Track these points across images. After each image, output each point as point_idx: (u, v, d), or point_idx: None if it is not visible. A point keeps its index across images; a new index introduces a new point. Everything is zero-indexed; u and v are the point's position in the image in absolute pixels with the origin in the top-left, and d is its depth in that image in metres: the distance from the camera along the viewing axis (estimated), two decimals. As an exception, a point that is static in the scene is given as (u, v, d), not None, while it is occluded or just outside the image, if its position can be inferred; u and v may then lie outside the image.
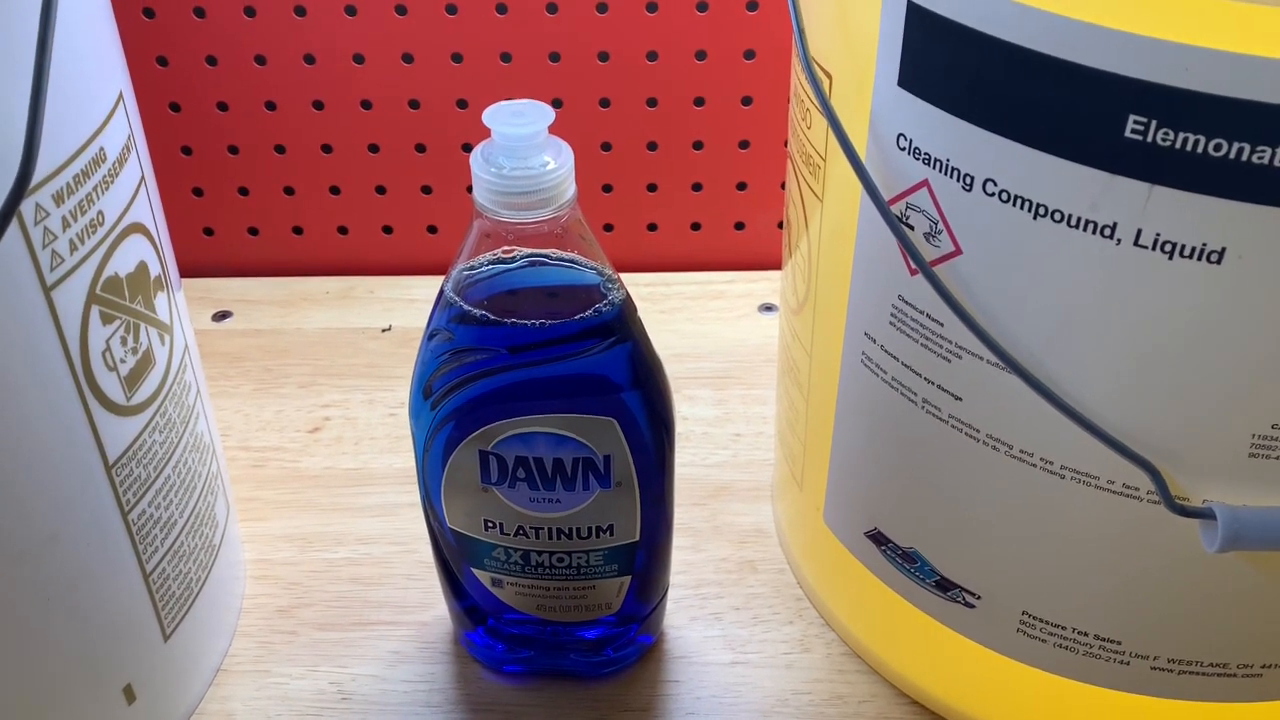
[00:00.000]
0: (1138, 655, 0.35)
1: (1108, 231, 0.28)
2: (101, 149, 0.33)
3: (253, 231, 0.66)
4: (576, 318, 0.35)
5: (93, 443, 0.34)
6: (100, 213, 0.33)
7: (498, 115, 0.33)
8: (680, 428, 0.55)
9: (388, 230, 0.66)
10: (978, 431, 0.34)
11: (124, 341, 0.35)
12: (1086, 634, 0.36)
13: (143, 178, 0.36)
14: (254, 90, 0.61)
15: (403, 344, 0.60)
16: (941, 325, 0.33)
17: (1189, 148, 0.26)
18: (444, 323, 0.36)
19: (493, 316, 0.35)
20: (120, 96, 0.35)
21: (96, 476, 0.34)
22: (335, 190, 0.64)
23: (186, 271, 0.65)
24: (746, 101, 0.61)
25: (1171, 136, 0.26)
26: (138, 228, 0.35)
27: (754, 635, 0.45)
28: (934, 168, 0.31)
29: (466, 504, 0.38)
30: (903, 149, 0.32)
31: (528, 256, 0.35)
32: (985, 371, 0.32)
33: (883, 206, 0.32)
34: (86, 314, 0.33)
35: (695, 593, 0.47)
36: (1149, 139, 0.26)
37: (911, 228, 0.32)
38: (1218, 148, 0.26)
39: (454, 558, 0.41)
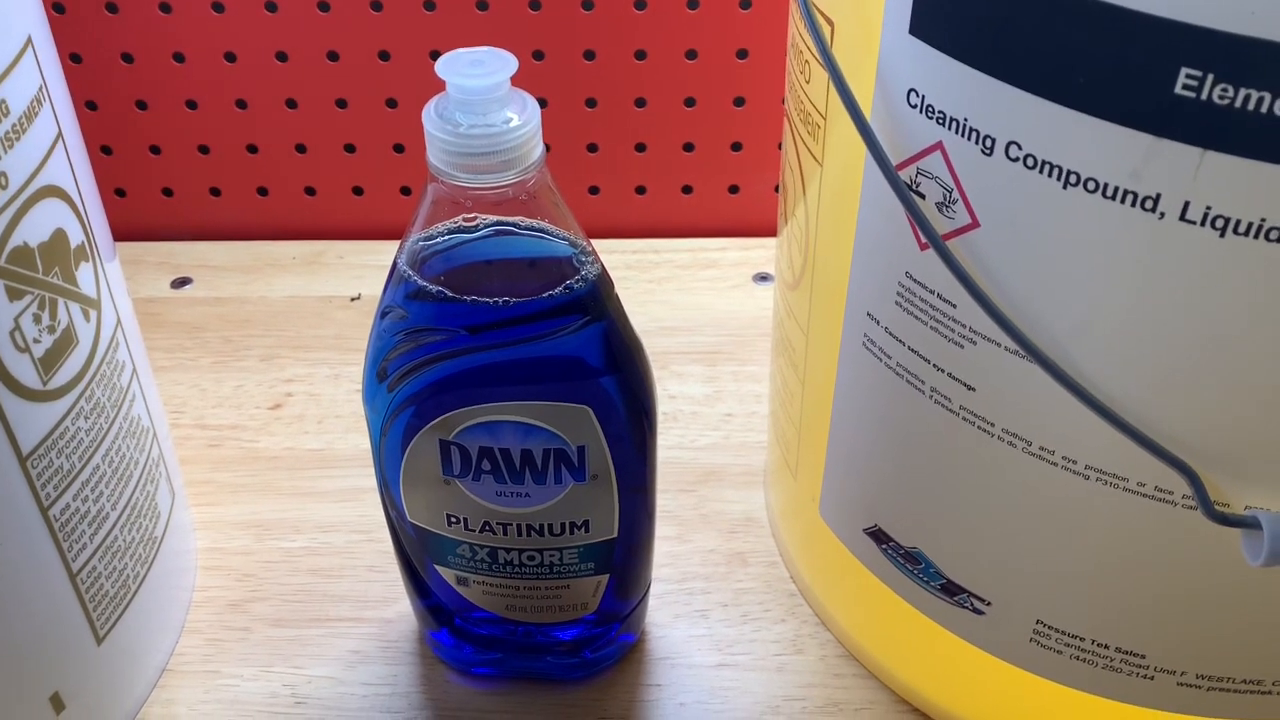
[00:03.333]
0: (1163, 670, 0.33)
1: (1150, 204, 0.25)
2: (3, 101, 0.29)
3: (214, 192, 0.62)
4: (545, 295, 0.32)
5: (1, 433, 0.30)
6: (3, 174, 0.29)
7: (453, 65, 0.30)
8: (667, 407, 0.51)
9: (358, 191, 0.62)
10: (992, 425, 0.31)
11: (37, 319, 0.31)
12: (1107, 646, 0.33)
13: (59, 135, 0.32)
14: (212, 41, 0.57)
15: (373, 313, 0.57)
16: (954, 307, 0.30)
17: (1250, 106, 0.23)
18: (398, 299, 0.33)
19: (451, 293, 0.32)
20: (29, 41, 0.31)
21: (8, 470, 0.31)
22: (301, 148, 0.60)
23: (144, 235, 0.62)
24: (742, 55, 0.57)
25: (1230, 93, 0.23)
26: (53, 191, 0.32)
27: (743, 634, 0.42)
28: (949, 128, 0.28)
29: (427, 497, 0.35)
30: (914, 106, 0.28)
31: (491, 225, 0.31)
32: (1002, 359, 0.29)
33: (890, 172, 0.29)
34: (-11, 289, 0.29)
35: (680, 587, 0.44)
36: (1203, 96, 0.23)
37: (922, 196, 0.29)
38: (1285, 107, 0.22)
39: (416, 553, 0.38)
